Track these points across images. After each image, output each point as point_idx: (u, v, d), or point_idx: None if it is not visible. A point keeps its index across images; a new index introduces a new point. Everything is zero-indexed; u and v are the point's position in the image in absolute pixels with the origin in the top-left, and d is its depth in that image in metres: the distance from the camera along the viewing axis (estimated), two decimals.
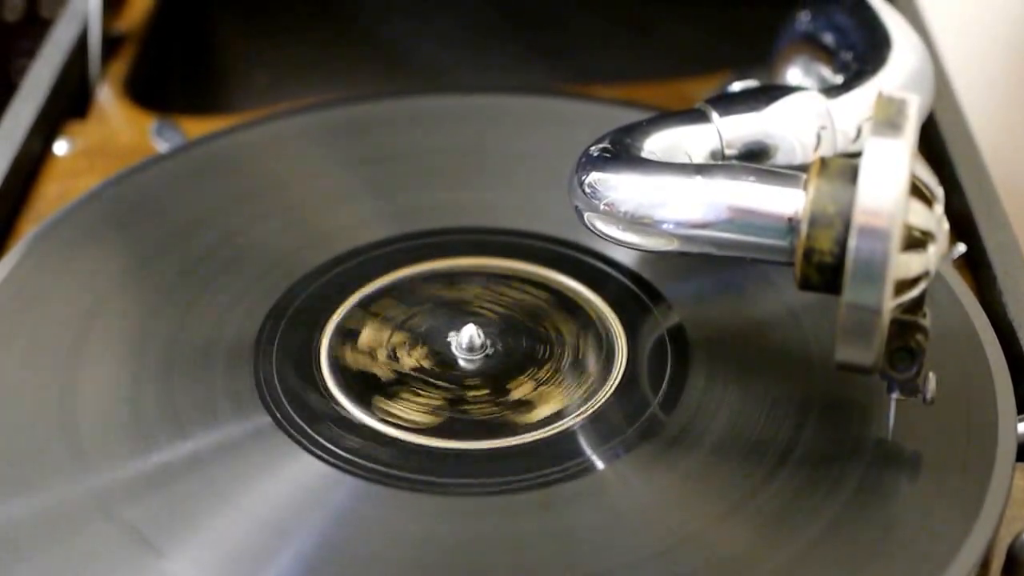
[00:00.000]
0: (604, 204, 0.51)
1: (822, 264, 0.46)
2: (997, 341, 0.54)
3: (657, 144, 0.53)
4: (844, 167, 0.46)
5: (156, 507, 0.48)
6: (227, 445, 0.51)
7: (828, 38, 0.62)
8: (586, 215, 0.52)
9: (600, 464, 0.50)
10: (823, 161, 0.47)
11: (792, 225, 0.47)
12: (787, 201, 0.48)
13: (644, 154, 0.52)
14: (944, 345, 0.53)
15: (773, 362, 0.54)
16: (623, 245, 0.52)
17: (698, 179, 0.49)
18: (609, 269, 0.58)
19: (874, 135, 0.45)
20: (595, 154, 0.52)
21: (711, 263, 0.55)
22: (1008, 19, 1.05)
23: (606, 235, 0.52)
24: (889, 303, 0.45)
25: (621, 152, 0.52)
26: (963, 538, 0.46)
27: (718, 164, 0.50)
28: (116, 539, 0.47)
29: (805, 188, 0.47)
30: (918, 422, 0.50)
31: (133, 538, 0.47)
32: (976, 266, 0.60)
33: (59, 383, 0.53)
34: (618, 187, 0.51)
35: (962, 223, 0.62)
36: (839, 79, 0.59)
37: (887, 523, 0.47)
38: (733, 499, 0.48)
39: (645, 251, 0.52)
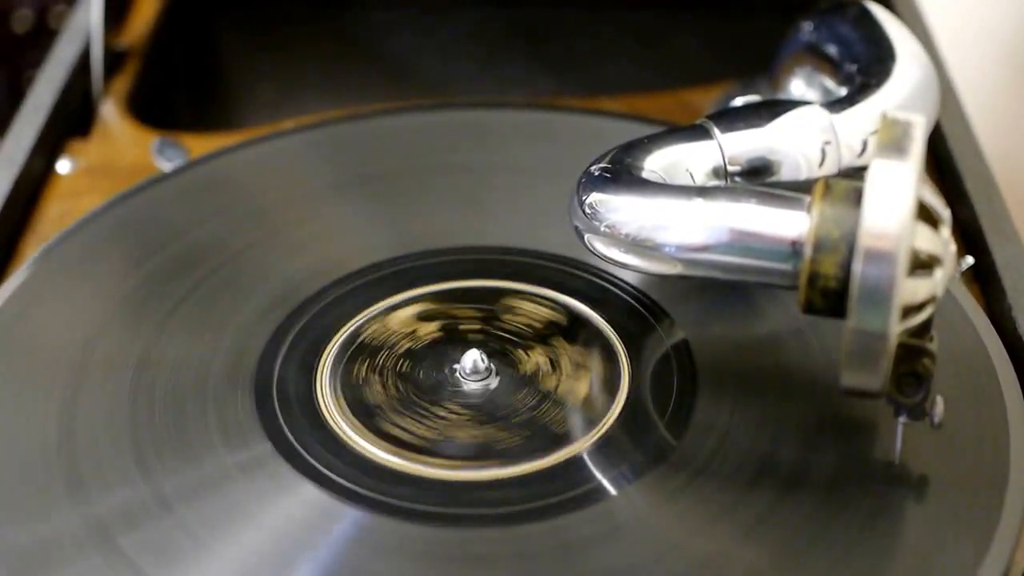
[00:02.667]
0: (605, 226, 0.50)
1: (827, 289, 0.46)
2: (1007, 357, 0.54)
3: (658, 162, 0.52)
4: (848, 190, 0.46)
5: (153, 537, 0.48)
6: (226, 473, 0.50)
7: (831, 49, 0.62)
8: (587, 236, 0.52)
9: (610, 490, 0.49)
10: (827, 184, 0.47)
11: (796, 249, 0.47)
12: (790, 225, 0.47)
13: (645, 173, 0.52)
14: (953, 362, 0.52)
15: (781, 381, 0.53)
16: (625, 267, 0.51)
17: (699, 201, 0.49)
18: (612, 288, 0.58)
19: (879, 157, 0.44)
20: (596, 174, 0.52)
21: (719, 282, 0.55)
22: (1014, 27, 1.05)
23: (607, 257, 0.51)
24: (896, 328, 0.44)
25: (622, 172, 0.51)
26: (978, 564, 0.46)
27: (720, 186, 0.50)
28: (111, 570, 0.47)
29: (809, 211, 0.47)
30: (928, 443, 0.50)
31: (129, 569, 0.47)
32: (984, 279, 0.60)
33: (58, 408, 0.53)
34: (619, 209, 0.50)
35: (970, 235, 0.62)
36: (842, 91, 0.58)
37: (900, 549, 0.47)
38: (744, 525, 0.48)
39: (648, 274, 0.51)
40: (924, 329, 0.46)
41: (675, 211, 0.49)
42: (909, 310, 0.45)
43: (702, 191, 0.49)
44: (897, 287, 0.43)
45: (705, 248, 0.48)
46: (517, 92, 0.82)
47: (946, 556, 0.46)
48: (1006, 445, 0.50)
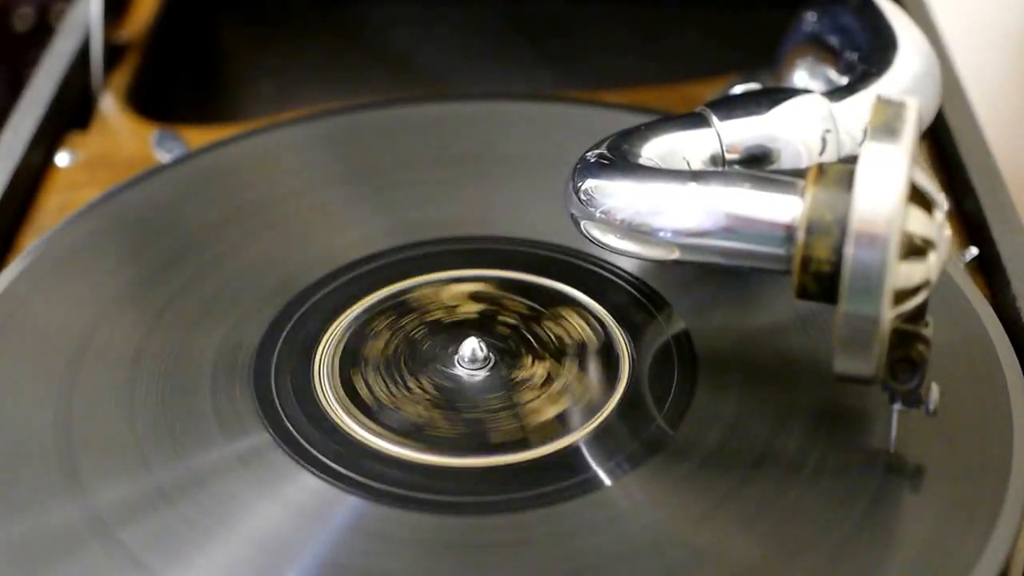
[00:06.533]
0: (600, 212, 0.50)
1: (820, 273, 0.45)
2: (1011, 347, 0.53)
3: (655, 150, 0.52)
4: (842, 173, 0.46)
5: (153, 528, 0.48)
6: (225, 464, 0.50)
7: (833, 39, 0.61)
8: (583, 223, 0.51)
9: (606, 480, 0.49)
10: (821, 168, 0.46)
11: (789, 233, 0.46)
12: (784, 209, 0.47)
13: (642, 160, 0.51)
14: (958, 352, 0.52)
15: (781, 370, 0.53)
16: (621, 254, 0.51)
17: (693, 186, 0.48)
18: (613, 277, 0.58)
19: (871, 140, 0.44)
20: (591, 160, 0.51)
21: (715, 269, 0.54)
22: (1019, 18, 1.04)
23: (603, 243, 0.51)
24: (888, 313, 0.44)
25: (618, 158, 0.51)
26: (978, 555, 0.45)
27: (715, 171, 0.49)
28: (111, 562, 0.47)
29: (802, 195, 0.46)
30: (930, 432, 0.49)
31: (129, 561, 0.47)
32: (989, 270, 0.60)
33: (55, 399, 0.53)
34: (614, 194, 0.50)
35: (975, 227, 0.62)
36: (844, 81, 0.58)
37: (900, 540, 0.46)
38: (742, 515, 0.47)
39: (644, 260, 0.51)
40: (919, 314, 0.46)
41: (669, 195, 0.49)
42: (902, 295, 0.44)
43: (696, 175, 0.49)
44: (889, 271, 0.43)
45: (699, 233, 0.48)
46: (518, 86, 0.82)
47: (947, 546, 0.46)
48: (1009, 435, 0.49)
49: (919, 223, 0.45)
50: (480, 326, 0.56)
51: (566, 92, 0.74)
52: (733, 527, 0.47)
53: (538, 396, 0.53)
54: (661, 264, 0.51)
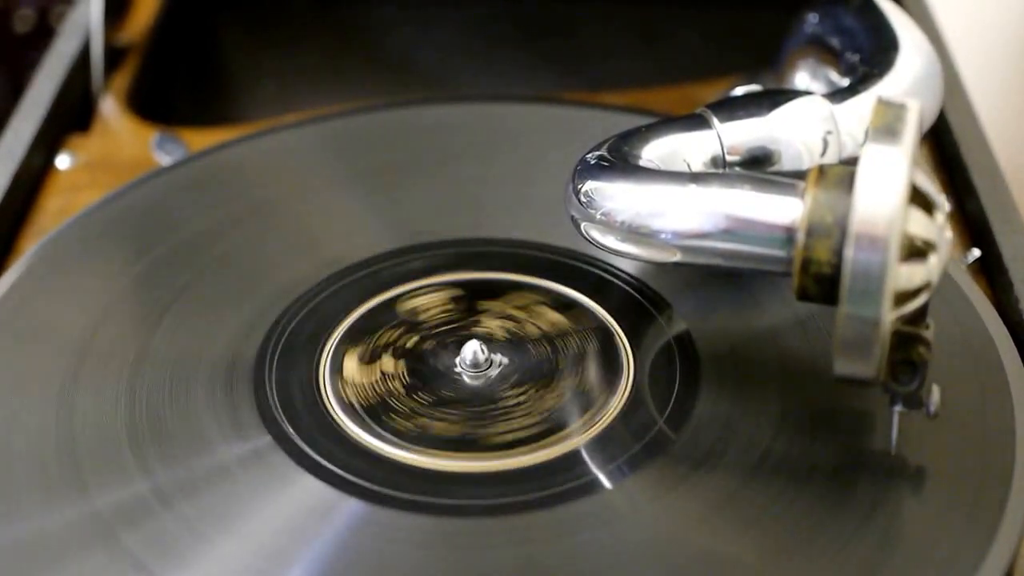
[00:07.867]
0: (601, 214, 0.50)
1: (820, 275, 0.45)
2: (1014, 349, 0.53)
3: (655, 151, 0.52)
4: (842, 175, 0.45)
5: (153, 530, 0.48)
6: (226, 466, 0.50)
7: (835, 41, 0.61)
8: (583, 225, 0.51)
9: (607, 483, 0.49)
10: (821, 169, 0.46)
11: (790, 235, 0.46)
12: (784, 210, 0.47)
13: (642, 162, 0.51)
14: (960, 354, 0.52)
15: (782, 372, 0.53)
16: (621, 256, 0.51)
17: (693, 188, 0.48)
18: (614, 279, 0.58)
19: (871, 142, 0.44)
20: (592, 162, 0.51)
21: (716, 271, 0.54)
22: (1021, 18, 1.04)
23: (603, 245, 0.51)
24: (889, 315, 0.44)
25: (618, 160, 0.51)
26: (981, 558, 0.45)
27: (715, 173, 0.49)
28: (113, 565, 0.47)
29: (803, 197, 0.46)
30: (933, 435, 0.49)
31: (130, 563, 0.47)
32: (992, 272, 0.59)
33: (56, 402, 0.53)
34: (615, 196, 0.50)
35: (977, 228, 0.62)
36: (846, 82, 0.58)
37: (903, 544, 0.46)
38: (743, 517, 0.47)
39: (645, 262, 0.51)
40: (920, 316, 0.46)
41: (670, 197, 0.49)
42: (903, 296, 0.44)
43: (696, 177, 0.49)
44: (889, 273, 0.43)
45: (699, 235, 0.48)
46: (518, 87, 0.82)
47: (949, 548, 0.46)
48: (1011, 436, 0.49)
49: (920, 225, 0.45)
50: (481, 329, 0.56)
51: (566, 93, 0.74)
52: (734, 529, 0.47)
53: (539, 399, 0.52)
54: (662, 266, 0.50)
